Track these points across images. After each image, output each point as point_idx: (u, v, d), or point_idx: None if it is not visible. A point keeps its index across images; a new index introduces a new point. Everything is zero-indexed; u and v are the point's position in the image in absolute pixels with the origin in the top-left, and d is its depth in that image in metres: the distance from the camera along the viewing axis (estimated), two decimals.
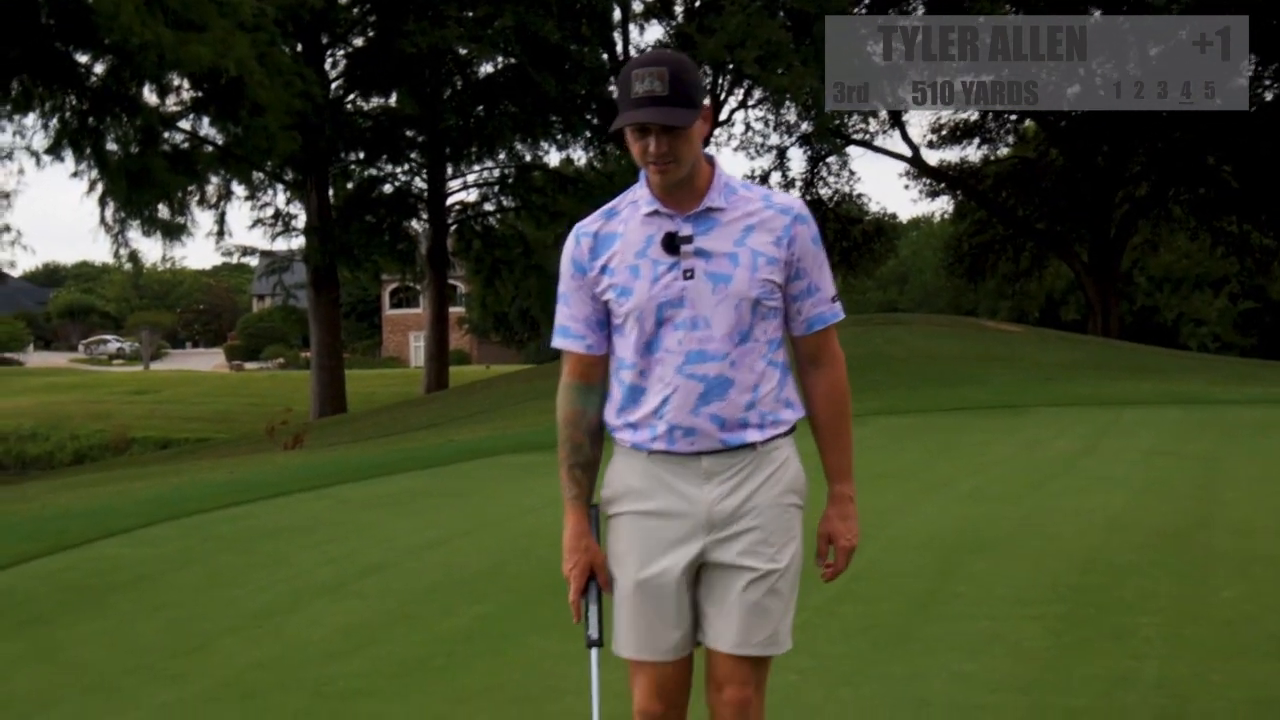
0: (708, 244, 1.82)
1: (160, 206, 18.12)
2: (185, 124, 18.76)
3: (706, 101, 1.85)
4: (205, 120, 17.95)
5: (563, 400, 1.92)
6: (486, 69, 22.99)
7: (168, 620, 4.22)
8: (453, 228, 25.00)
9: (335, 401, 22.54)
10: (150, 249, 53.19)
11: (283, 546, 5.51)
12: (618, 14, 24.35)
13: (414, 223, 24.75)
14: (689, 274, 1.82)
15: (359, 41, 22.61)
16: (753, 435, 1.83)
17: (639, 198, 1.87)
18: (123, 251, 20.15)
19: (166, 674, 3.55)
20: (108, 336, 53.82)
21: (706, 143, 2.16)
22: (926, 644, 3.47)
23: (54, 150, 16.75)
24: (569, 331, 1.91)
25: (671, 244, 1.82)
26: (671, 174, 1.79)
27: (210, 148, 18.99)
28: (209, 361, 48.37)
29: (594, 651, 1.88)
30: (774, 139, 28.55)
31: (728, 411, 1.81)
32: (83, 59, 16.49)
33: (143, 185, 16.60)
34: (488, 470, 8.08)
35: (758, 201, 1.88)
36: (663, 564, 1.83)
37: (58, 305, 59.22)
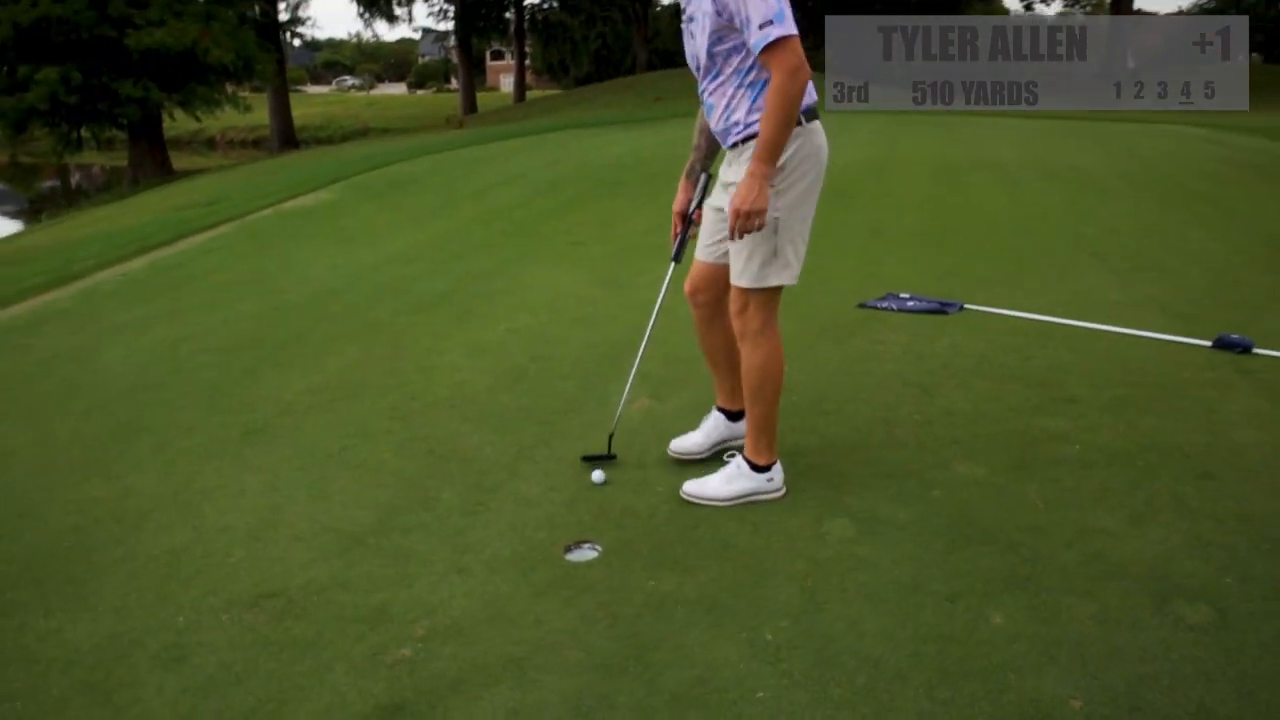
0: (690, 9, 2.56)
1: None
2: None
3: None
4: None
5: None
6: None
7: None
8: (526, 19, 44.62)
9: (470, 105, 40.14)
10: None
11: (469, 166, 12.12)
12: None
13: (508, 14, 43.22)
14: (691, 35, 2.59)
15: None
16: (732, 138, 2.61)
17: None
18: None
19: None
20: (346, 77, 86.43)
21: None
22: None
23: None
24: None
25: (678, 11, 2.68)
26: None
27: None
28: (398, 89, 78.23)
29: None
30: None
31: (717, 125, 2.63)
32: None
33: None
34: (565, 135, 16.63)
35: None
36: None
37: (320, 60, 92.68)
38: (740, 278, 2.60)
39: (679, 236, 2.85)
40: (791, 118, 2.40)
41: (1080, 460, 2.96)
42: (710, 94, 2.60)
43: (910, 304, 4.72)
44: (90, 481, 3.13)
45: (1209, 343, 4.04)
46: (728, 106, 2.57)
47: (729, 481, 2.75)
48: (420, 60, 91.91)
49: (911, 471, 2.92)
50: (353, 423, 3.51)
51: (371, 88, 78.19)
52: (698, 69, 2.62)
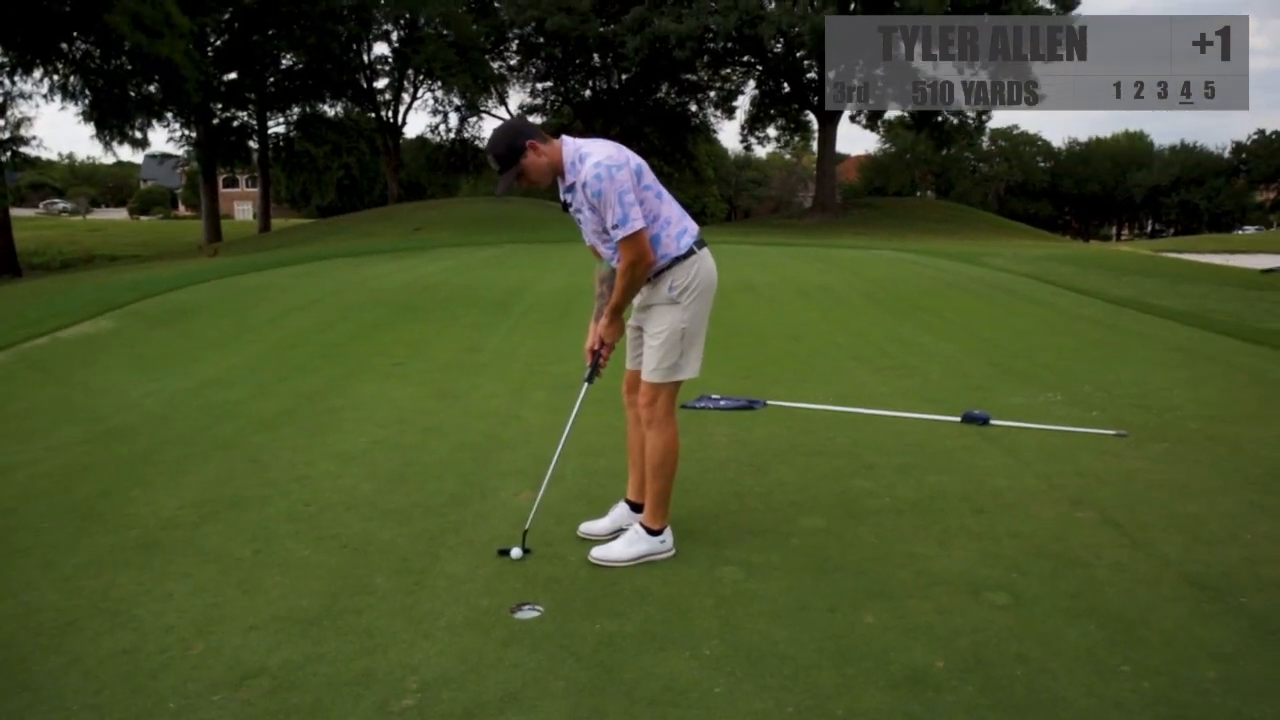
0: (575, 205, 3.19)
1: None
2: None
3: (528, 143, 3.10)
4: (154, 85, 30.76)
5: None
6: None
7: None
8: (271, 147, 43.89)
9: (215, 233, 38.83)
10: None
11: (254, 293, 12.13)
12: None
13: (251, 142, 42.69)
14: (580, 223, 3.28)
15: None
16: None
17: None
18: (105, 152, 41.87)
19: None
20: (56, 200, 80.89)
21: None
22: None
23: (52, 96, 29.44)
24: None
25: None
26: (534, 186, 3.26)
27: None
28: (118, 215, 76.61)
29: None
30: None
31: None
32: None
33: (117, 117, 30.03)
34: (341, 263, 17.14)
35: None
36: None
37: (23, 181, 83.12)
38: (653, 375, 3.22)
39: (591, 365, 3.44)
40: (633, 289, 3.20)
41: (891, 509, 3.80)
42: (616, 259, 3.21)
43: (723, 403, 5.53)
44: None
45: (958, 418, 5.15)
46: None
47: (630, 545, 3.29)
48: (143, 185, 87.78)
49: (768, 527, 3.60)
50: (251, 530, 3.69)
51: (87, 213, 75.45)
52: (595, 243, 3.31)
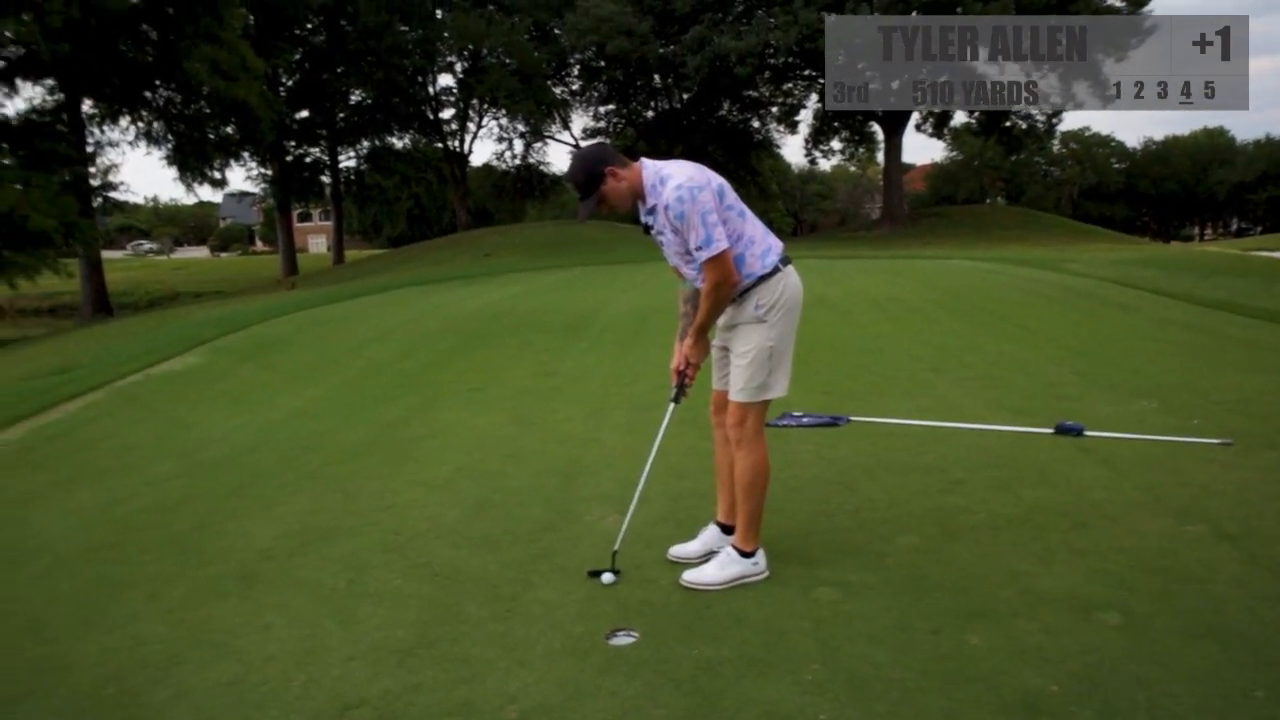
0: (656, 228, 3.20)
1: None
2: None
3: (606, 170, 3.09)
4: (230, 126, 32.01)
5: None
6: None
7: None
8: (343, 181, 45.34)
9: (291, 267, 39.87)
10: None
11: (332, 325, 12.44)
12: None
13: (323, 176, 44.04)
14: (662, 244, 3.28)
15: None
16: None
17: None
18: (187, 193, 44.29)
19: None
20: (142, 241, 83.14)
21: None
22: None
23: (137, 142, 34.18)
24: None
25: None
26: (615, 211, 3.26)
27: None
28: (200, 253, 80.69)
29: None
30: None
31: None
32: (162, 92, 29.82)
33: (197, 158, 31.37)
34: (413, 291, 17.54)
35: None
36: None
37: (112, 225, 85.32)
38: (740, 394, 3.18)
39: (676, 385, 3.41)
40: (718, 310, 3.20)
41: (987, 525, 3.68)
42: (700, 280, 3.18)
43: (805, 420, 5.45)
44: (92, 636, 3.20)
45: (1051, 430, 4.98)
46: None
47: (723, 568, 3.25)
48: (222, 223, 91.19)
49: (862, 546, 3.52)
50: (343, 560, 3.74)
51: (171, 252, 79.06)
52: (677, 264, 3.28)
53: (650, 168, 3.15)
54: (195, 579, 3.64)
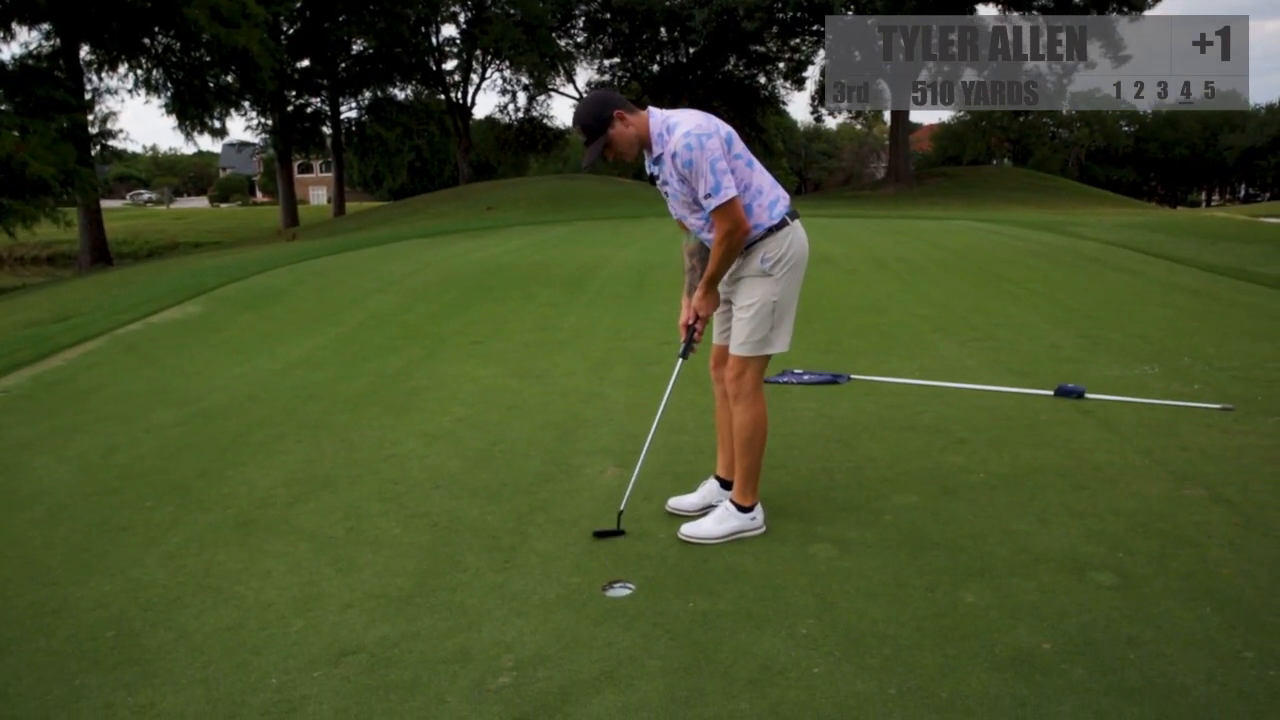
0: (662, 177, 3.14)
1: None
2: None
3: (615, 112, 3.02)
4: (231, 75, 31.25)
5: None
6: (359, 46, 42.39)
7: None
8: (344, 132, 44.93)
9: (292, 218, 39.44)
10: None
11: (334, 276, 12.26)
12: None
13: (324, 127, 43.67)
14: (668, 195, 3.23)
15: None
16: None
17: None
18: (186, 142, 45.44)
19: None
20: (142, 191, 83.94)
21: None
22: None
23: (136, 90, 31.20)
24: None
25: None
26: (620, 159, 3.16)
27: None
28: (199, 203, 79.14)
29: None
30: None
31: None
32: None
33: (197, 107, 30.77)
34: (417, 244, 18.04)
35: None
36: None
37: (111, 174, 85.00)
38: (741, 348, 3.16)
39: (685, 340, 3.38)
40: (729, 259, 3.11)
41: (986, 484, 3.68)
42: (707, 230, 3.15)
43: (806, 378, 5.44)
44: (94, 579, 3.22)
45: (1051, 392, 4.97)
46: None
47: (720, 522, 3.25)
48: (222, 174, 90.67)
49: (860, 504, 3.52)
50: (343, 508, 3.75)
51: (170, 202, 78.37)
52: (683, 215, 3.22)
53: (657, 115, 3.10)
54: (195, 525, 3.65)
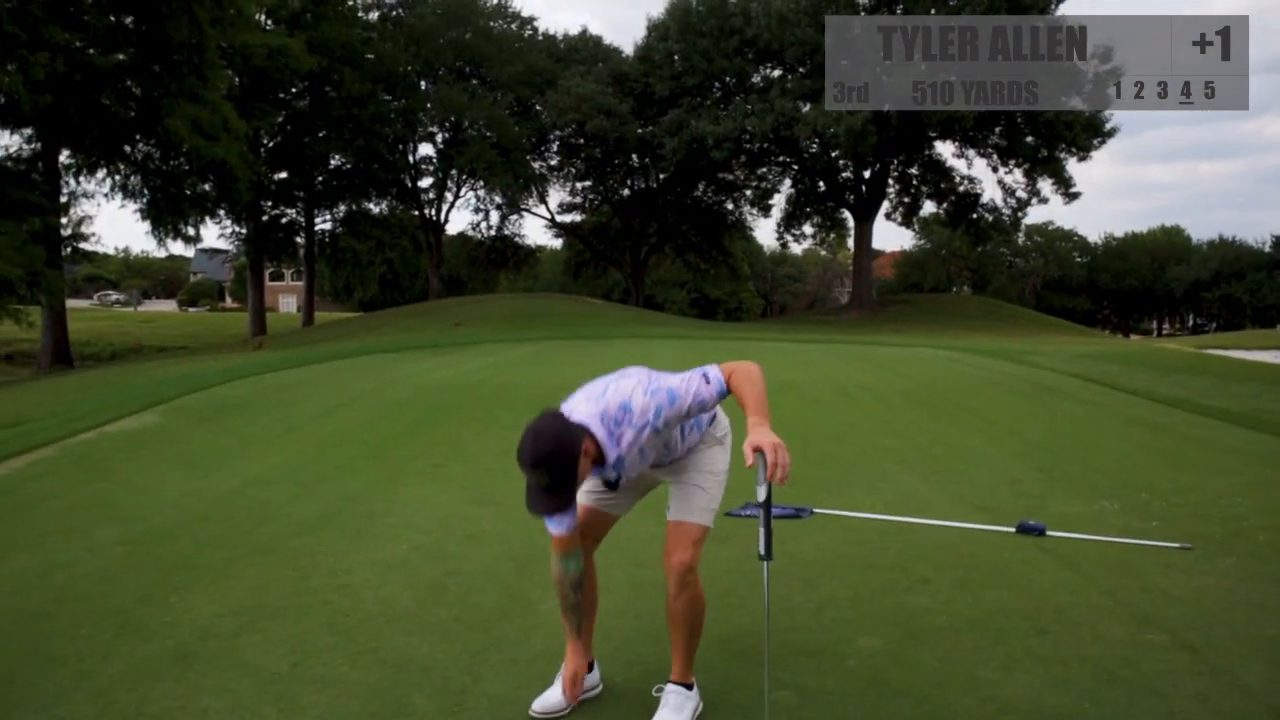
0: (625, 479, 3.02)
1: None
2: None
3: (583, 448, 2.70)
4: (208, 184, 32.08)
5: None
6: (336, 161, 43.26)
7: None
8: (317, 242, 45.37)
9: (260, 326, 40.71)
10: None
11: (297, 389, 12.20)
12: None
13: (298, 238, 44.07)
14: (629, 478, 3.10)
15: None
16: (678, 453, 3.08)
17: None
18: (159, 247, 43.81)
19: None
20: (110, 292, 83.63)
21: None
22: None
23: (113, 194, 33.20)
24: None
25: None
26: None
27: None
28: (168, 306, 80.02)
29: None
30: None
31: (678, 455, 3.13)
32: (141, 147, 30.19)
33: (172, 214, 30.84)
34: (384, 358, 17.43)
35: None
36: None
37: (80, 274, 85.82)
38: (705, 515, 3.03)
39: (770, 474, 2.74)
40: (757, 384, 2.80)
41: (950, 628, 3.63)
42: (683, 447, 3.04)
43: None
44: (13, 715, 3.04)
45: (1013, 529, 4.97)
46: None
47: (680, 711, 2.96)
48: (193, 278, 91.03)
49: (822, 648, 3.45)
50: (290, 641, 3.61)
51: (138, 304, 78.39)
52: (655, 465, 3.03)
53: (596, 423, 2.79)
54: (131, 656, 3.48)
